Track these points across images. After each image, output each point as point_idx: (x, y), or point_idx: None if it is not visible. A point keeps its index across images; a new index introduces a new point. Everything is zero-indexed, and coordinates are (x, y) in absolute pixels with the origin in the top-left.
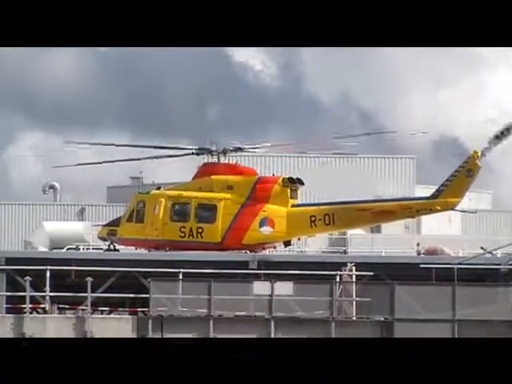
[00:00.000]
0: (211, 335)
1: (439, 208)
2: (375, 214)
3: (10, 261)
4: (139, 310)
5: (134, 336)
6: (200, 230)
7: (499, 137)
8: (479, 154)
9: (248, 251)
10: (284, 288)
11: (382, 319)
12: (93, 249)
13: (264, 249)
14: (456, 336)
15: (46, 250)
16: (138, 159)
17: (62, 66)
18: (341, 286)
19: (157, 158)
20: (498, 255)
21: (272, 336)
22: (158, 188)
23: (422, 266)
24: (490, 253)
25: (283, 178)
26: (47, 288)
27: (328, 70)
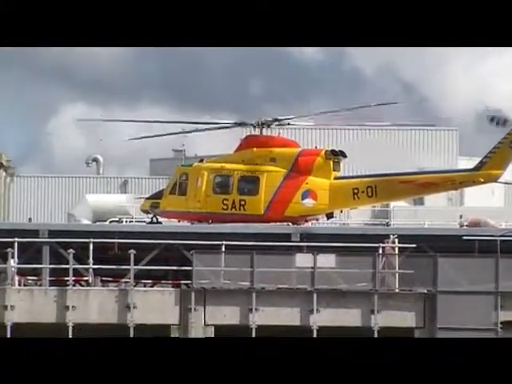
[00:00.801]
0: (254, 308)
1: (482, 180)
2: (418, 186)
3: (53, 233)
4: (182, 282)
5: (177, 308)
6: (242, 203)
7: None
8: None
9: (290, 223)
10: (326, 260)
11: (425, 291)
12: (136, 221)
13: (306, 221)
14: (499, 309)
15: (88, 222)
16: (178, 133)
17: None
18: (383, 259)
19: (197, 131)
20: None
21: (315, 308)
22: (201, 160)
23: (464, 238)
24: None
25: (326, 151)
26: (90, 261)
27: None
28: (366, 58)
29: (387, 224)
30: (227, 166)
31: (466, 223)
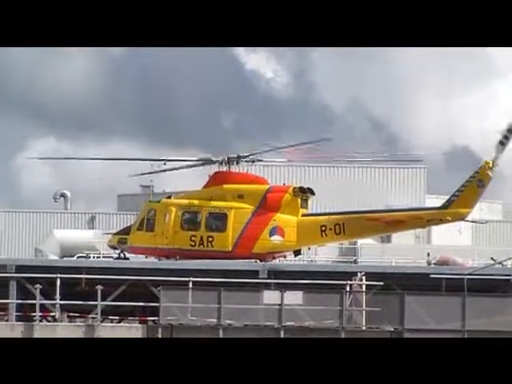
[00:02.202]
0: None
1: (450, 218)
2: (385, 223)
3: (20, 268)
4: (149, 318)
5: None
6: (210, 239)
7: (503, 142)
8: (490, 164)
9: (258, 260)
10: (294, 297)
11: (392, 329)
12: (103, 257)
13: (274, 258)
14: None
15: (56, 257)
16: (148, 173)
17: (74, 73)
18: (351, 296)
19: (166, 170)
20: (509, 266)
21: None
22: (169, 196)
23: (432, 276)
24: (500, 263)
25: (294, 188)
26: (57, 296)
27: (339, 78)
28: (335, 94)
29: (355, 261)
30: (195, 202)
31: (434, 261)
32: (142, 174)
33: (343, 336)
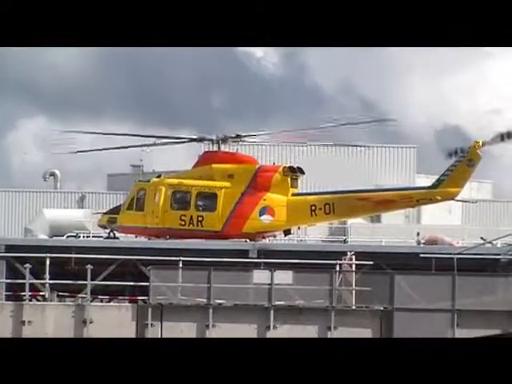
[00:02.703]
0: (210, 323)
1: (440, 198)
2: (375, 203)
3: (9, 248)
4: (139, 298)
5: (134, 324)
6: (200, 219)
7: (504, 138)
8: (480, 143)
9: (248, 240)
10: (284, 277)
11: (382, 308)
12: (93, 236)
13: (264, 237)
14: (455, 326)
15: (46, 237)
16: (137, 146)
17: (66, 52)
18: (340, 275)
19: (155, 145)
20: (498, 245)
21: (272, 324)
22: (159, 176)
23: (421, 255)
24: (489, 243)
25: (284, 167)
26: (47, 275)
27: (330, 59)
28: (325, 75)
29: (344, 241)
30: (185, 181)
31: (423, 241)
32: (131, 147)
33: (333, 315)
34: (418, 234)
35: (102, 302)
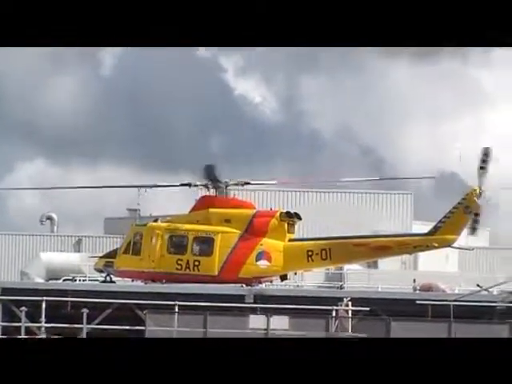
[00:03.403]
0: None
1: (436, 244)
2: (372, 249)
3: (5, 291)
4: None
5: None
6: (197, 263)
7: (483, 166)
8: (478, 190)
9: (244, 285)
10: (280, 322)
11: None
12: (89, 280)
13: (260, 282)
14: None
15: (42, 280)
16: (134, 186)
17: (64, 95)
18: (337, 321)
19: (151, 186)
20: (495, 293)
21: None
22: (156, 220)
23: (418, 302)
24: (486, 290)
25: (281, 213)
26: (43, 319)
27: (328, 105)
28: (323, 121)
29: (341, 287)
30: (182, 226)
31: (418, 287)
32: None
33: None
34: (415, 280)
35: None
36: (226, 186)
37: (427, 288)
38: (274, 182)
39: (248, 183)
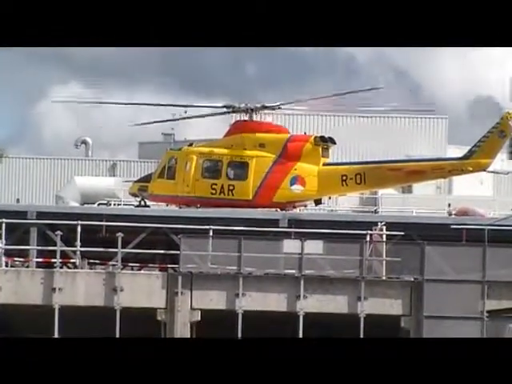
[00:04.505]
0: (240, 292)
1: (471, 169)
2: (407, 173)
3: (41, 215)
4: (169, 266)
5: (164, 292)
6: (231, 187)
7: None
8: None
9: (279, 209)
10: (314, 246)
11: (412, 279)
12: (124, 204)
13: (295, 207)
14: (485, 298)
15: (77, 204)
16: (169, 120)
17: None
18: (371, 246)
19: (189, 118)
20: None
21: (301, 294)
22: (190, 145)
23: (452, 226)
24: None
25: (315, 137)
26: (78, 243)
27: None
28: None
29: (375, 211)
30: (216, 150)
31: (454, 212)
32: (164, 121)
33: (363, 286)
34: (449, 205)
35: (132, 269)
36: (259, 110)
37: (464, 213)
38: (302, 100)
39: (279, 107)
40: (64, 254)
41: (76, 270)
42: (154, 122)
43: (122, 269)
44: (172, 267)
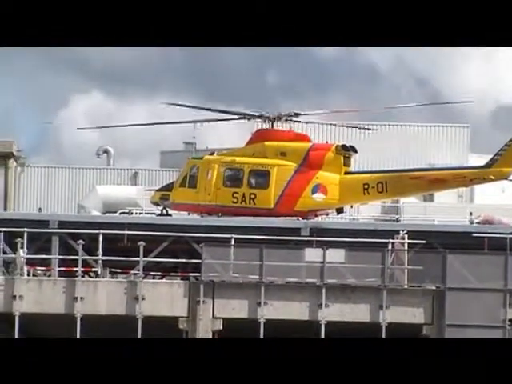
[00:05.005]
0: (262, 301)
1: (493, 177)
2: (428, 182)
3: (63, 224)
4: (191, 275)
5: (186, 301)
6: (253, 196)
7: None
8: None
9: (300, 218)
10: (336, 255)
11: (434, 288)
12: (145, 213)
13: (316, 216)
14: (507, 306)
15: (98, 213)
16: (190, 121)
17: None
18: (393, 254)
19: (208, 121)
20: None
21: (323, 302)
22: (212, 153)
23: (474, 234)
24: None
25: (336, 146)
26: (99, 252)
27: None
28: (379, 53)
29: (397, 220)
30: (238, 159)
31: (478, 221)
32: (184, 122)
33: (385, 294)
34: (471, 213)
35: (154, 278)
36: (281, 119)
37: (488, 222)
38: (325, 112)
39: (299, 114)
40: (86, 263)
41: (98, 279)
42: (174, 122)
43: (143, 277)
44: (194, 276)
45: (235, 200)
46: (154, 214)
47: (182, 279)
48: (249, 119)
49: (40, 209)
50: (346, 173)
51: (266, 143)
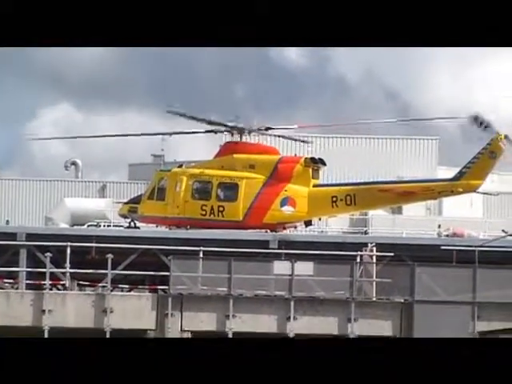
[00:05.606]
0: (231, 314)
1: (461, 190)
2: (397, 194)
3: (30, 237)
4: (159, 287)
5: (154, 313)
6: (221, 209)
7: (486, 126)
8: (502, 136)
9: (269, 230)
10: (304, 268)
11: (402, 300)
12: (114, 226)
13: (285, 228)
14: (476, 319)
15: (66, 226)
16: (158, 134)
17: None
18: (361, 267)
19: (177, 133)
20: None
21: (292, 315)
22: (180, 166)
23: (442, 247)
24: (511, 235)
25: (305, 158)
26: (67, 264)
27: (353, 50)
28: (349, 64)
29: (365, 232)
30: (206, 171)
31: (447, 234)
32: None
33: (353, 307)
34: (439, 226)
35: (122, 291)
36: (250, 132)
37: (458, 235)
38: (294, 127)
39: (270, 128)
40: (54, 276)
41: (66, 292)
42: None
43: (111, 290)
44: (162, 289)
45: (204, 213)
46: (122, 226)
47: (150, 292)
48: (216, 133)
49: (8, 221)
50: (315, 185)
51: (235, 156)
